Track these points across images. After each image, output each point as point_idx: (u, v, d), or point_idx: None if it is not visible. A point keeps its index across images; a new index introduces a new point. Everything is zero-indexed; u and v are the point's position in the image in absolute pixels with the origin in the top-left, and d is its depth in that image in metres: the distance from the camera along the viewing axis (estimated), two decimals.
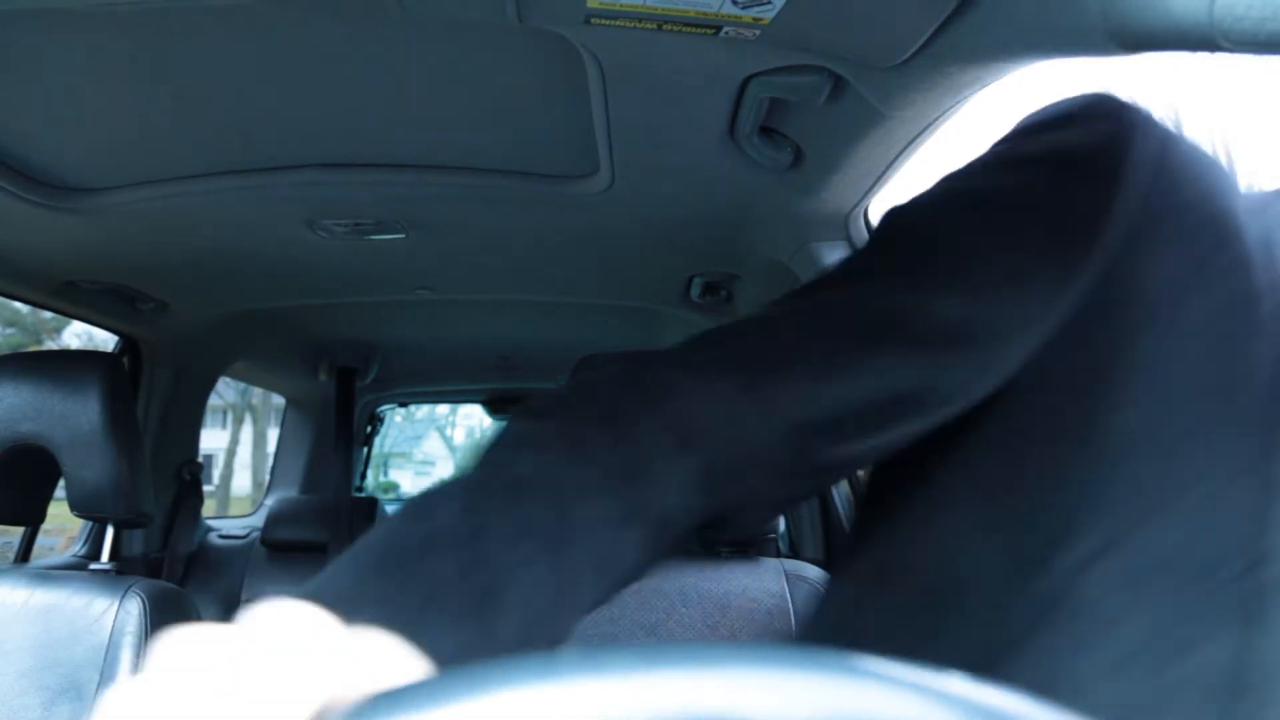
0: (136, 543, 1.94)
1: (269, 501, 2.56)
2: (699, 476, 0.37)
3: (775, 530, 1.73)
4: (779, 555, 1.61)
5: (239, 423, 12.20)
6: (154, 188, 1.15)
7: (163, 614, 1.03)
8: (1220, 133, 0.42)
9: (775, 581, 1.38)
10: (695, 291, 1.70)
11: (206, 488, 2.27)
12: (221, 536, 2.28)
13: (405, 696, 0.20)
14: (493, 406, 3.36)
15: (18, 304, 1.60)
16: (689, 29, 0.73)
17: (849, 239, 1.16)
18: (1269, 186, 0.44)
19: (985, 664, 0.36)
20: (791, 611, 1.35)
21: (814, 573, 1.42)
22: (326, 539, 2.17)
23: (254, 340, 2.15)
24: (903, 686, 0.21)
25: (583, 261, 1.59)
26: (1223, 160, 0.43)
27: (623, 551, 0.35)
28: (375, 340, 2.38)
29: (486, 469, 0.35)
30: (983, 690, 0.21)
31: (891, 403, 0.39)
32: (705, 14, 0.70)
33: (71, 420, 1.09)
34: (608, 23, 0.72)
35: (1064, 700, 0.21)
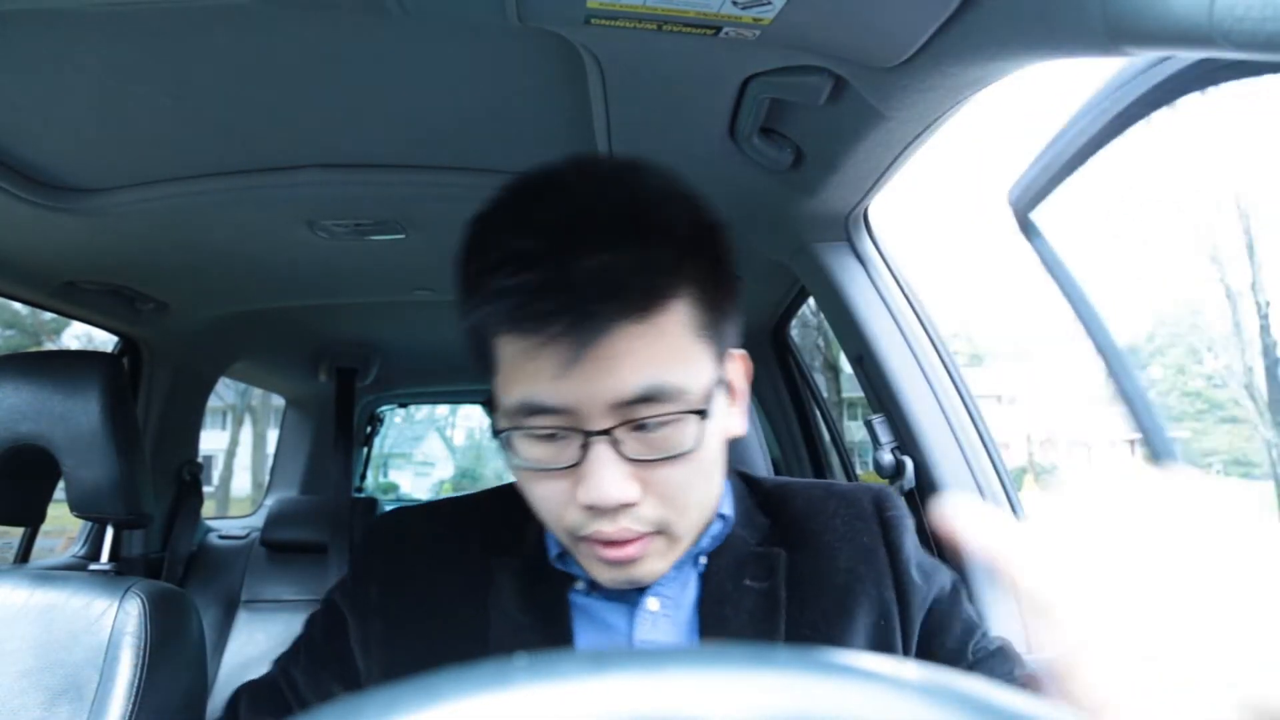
0: (136, 543, 1.94)
1: (269, 502, 2.55)
2: None
3: None
4: None
5: (239, 423, 12.20)
6: (154, 188, 1.15)
7: (162, 614, 1.03)
8: None
9: None
10: None
11: (206, 488, 2.27)
12: (221, 537, 2.28)
13: (356, 708, 0.20)
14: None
15: (17, 305, 1.60)
16: (689, 29, 0.73)
17: (849, 239, 1.16)
18: None
19: None
20: None
21: None
22: (326, 540, 2.17)
23: (254, 341, 2.15)
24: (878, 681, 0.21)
25: None
26: None
27: None
28: (375, 341, 2.38)
29: None
30: (970, 684, 0.21)
31: None
32: (705, 14, 0.70)
33: (71, 421, 1.09)
34: (607, 23, 0.72)
35: None
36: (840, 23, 0.71)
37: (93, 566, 1.18)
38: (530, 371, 0.54)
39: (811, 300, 1.54)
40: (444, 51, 0.85)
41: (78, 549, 1.82)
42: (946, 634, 0.67)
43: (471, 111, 0.98)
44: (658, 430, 0.55)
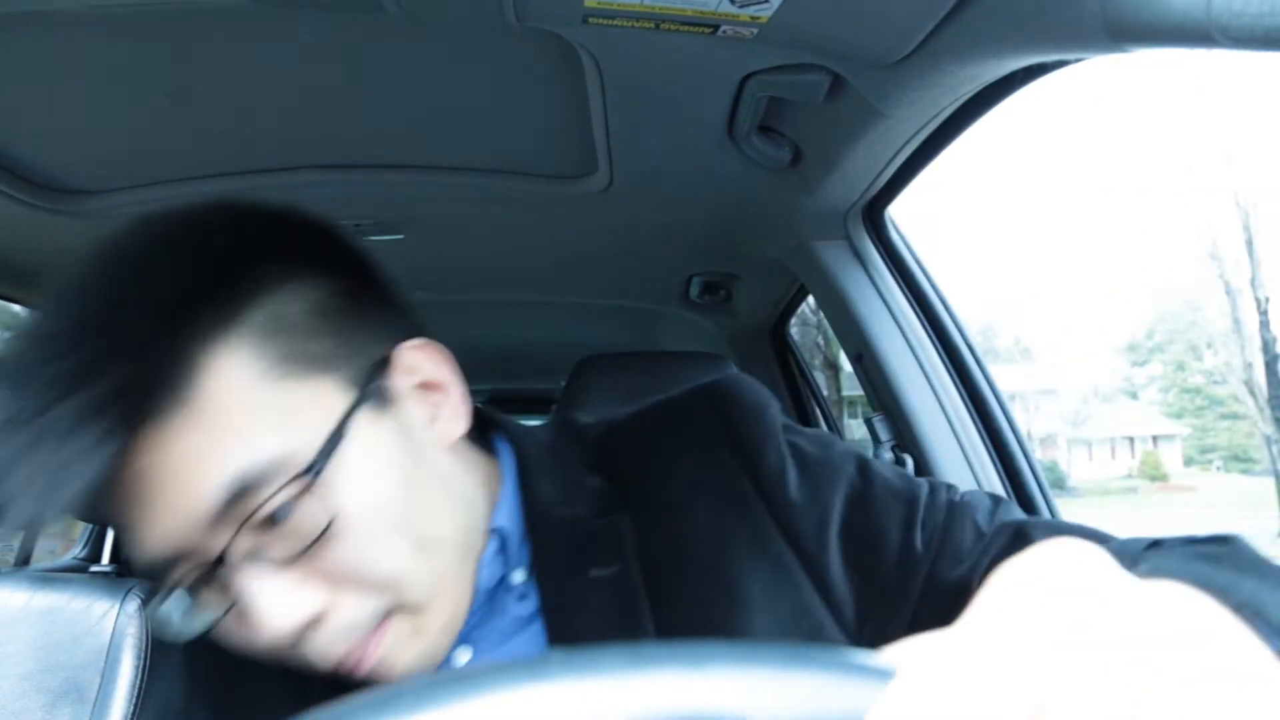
0: None
1: None
2: None
3: None
4: None
5: None
6: (153, 190, 1.15)
7: None
8: None
9: None
10: (694, 291, 1.70)
11: None
12: None
13: (393, 698, 0.20)
14: (493, 406, 3.35)
15: (17, 307, 1.59)
16: (687, 28, 0.73)
17: (848, 237, 1.16)
18: None
19: None
20: None
21: None
22: None
23: None
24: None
25: (582, 261, 1.59)
26: None
27: None
28: None
29: None
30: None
31: None
32: (703, 13, 0.70)
33: None
34: (605, 22, 0.72)
35: None
36: (838, 20, 0.71)
37: (93, 568, 1.19)
38: (116, 524, 0.42)
39: (811, 299, 1.54)
40: (442, 52, 0.85)
41: (78, 551, 1.82)
42: (881, 539, 0.49)
43: (470, 111, 0.98)
44: (283, 521, 0.41)
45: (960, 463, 1.07)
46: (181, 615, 0.43)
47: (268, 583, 0.41)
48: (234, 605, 0.42)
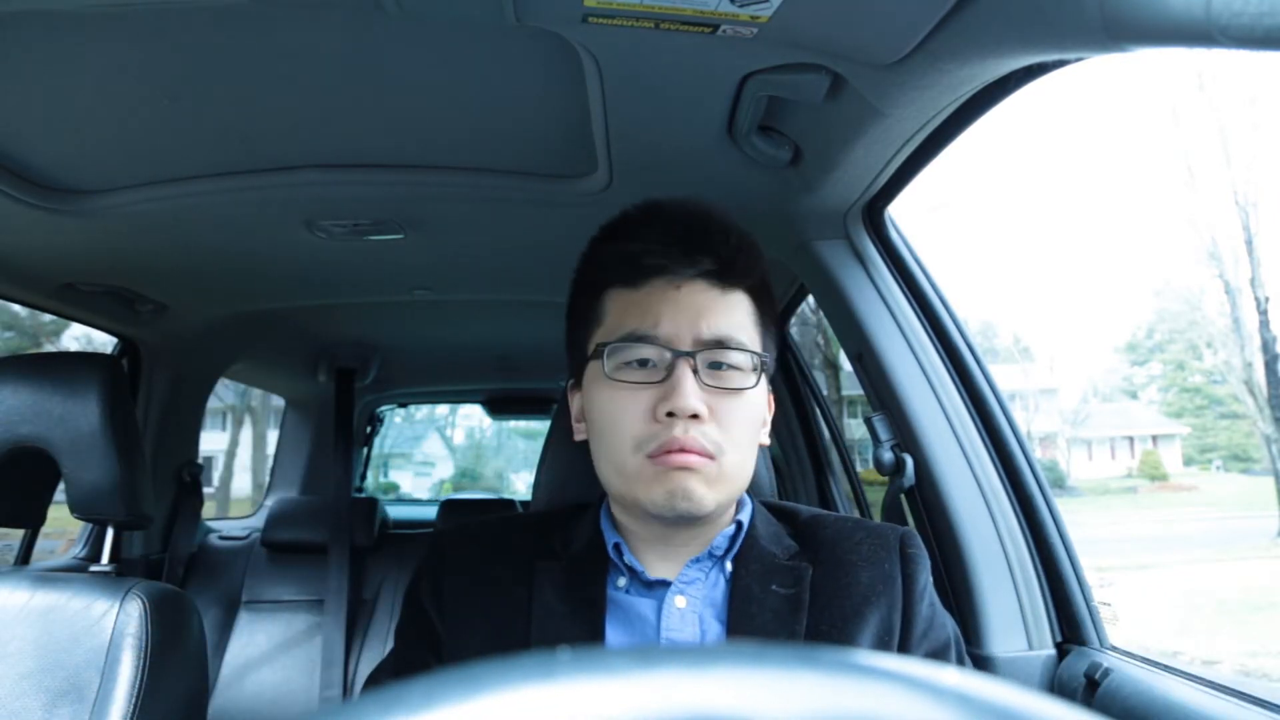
0: (136, 544, 1.95)
1: (269, 503, 2.56)
2: None
3: None
4: None
5: (239, 424, 12.19)
6: (153, 189, 1.15)
7: (163, 615, 1.03)
8: None
9: None
10: None
11: (206, 489, 2.27)
12: (222, 538, 2.28)
13: (400, 697, 0.20)
14: (492, 406, 3.36)
15: (16, 307, 1.60)
16: (687, 27, 0.73)
17: (848, 236, 1.16)
18: None
19: None
20: None
21: None
22: (326, 540, 2.17)
23: (253, 342, 2.15)
24: (902, 682, 0.21)
25: None
26: None
27: None
28: (374, 341, 2.38)
29: None
30: (980, 684, 0.21)
31: None
32: (703, 12, 0.70)
33: (71, 423, 1.09)
34: (605, 21, 0.72)
35: None
36: (837, 20, 0.71)
37: (93, 568, 1.19)
38: (636, 313, 0.72)
39: (811, 298, 1.54)
40: (442, 51, 0.85)
41: (78, 550, 1.82)
42: None
43: (470, 111, 0.98)
44: (726, 370, 0.71)
45: (960, 462, 1.07)
46: (619, 367, 0.72)
47: (693, 381, 0.69)
48: (661, 381, 0.70)
